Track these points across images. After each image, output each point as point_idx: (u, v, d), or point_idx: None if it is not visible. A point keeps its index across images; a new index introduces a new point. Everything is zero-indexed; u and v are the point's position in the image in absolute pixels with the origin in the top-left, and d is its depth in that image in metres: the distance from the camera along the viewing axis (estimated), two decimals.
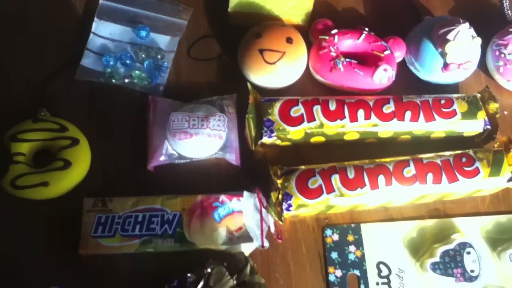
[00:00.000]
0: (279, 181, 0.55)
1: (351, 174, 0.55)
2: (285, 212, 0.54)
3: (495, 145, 0.60)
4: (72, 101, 0.61)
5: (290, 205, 0.54)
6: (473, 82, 0.66)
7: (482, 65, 0.66)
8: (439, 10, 0.70)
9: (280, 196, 0.54)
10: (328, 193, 0.54)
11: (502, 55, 0.63)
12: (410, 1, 0.69)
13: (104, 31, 0.64)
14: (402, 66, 0.64)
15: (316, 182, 0.55)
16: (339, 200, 0.54)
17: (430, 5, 0.70)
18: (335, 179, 0.55)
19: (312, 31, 0.63)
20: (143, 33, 0.63)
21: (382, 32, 0.64)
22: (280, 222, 0.54)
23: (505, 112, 0.65)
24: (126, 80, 0.62)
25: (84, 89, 0.62)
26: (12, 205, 0.55)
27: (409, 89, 0.63)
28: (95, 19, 0.64)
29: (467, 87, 0.65)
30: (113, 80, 0.61)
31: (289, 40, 0.59)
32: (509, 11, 0.70)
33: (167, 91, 0.62)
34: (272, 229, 0.55)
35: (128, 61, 0.62)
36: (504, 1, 0.70)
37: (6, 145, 0.55)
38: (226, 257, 0.52)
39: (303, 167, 0.56)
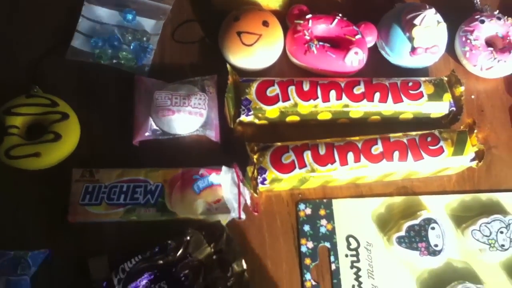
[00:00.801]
0: (255, 156, 0.59)
1: (322, 151, 0.59)
2: (260, 185, 0.58)
3: (461, 127, 0.64)
4: (63, 79, 0.65)
5: (264, 179, 0.58)
6: (442, 67, 0.70)
7: (451, 50, 0.70)
8: None
9: (255, 171, 0.58)
10: (300, 168, 0.58)
11: (468, 41, 0.67)
12: None
13: (93, 14, 0.68)
14: (374, 51, 0.68)
15: (289, 157, 0.59)
16: (311, 175, 0.58)
17: None
18: (307, 155, 0.59)
19: (288, 16, 0.67)
20: (130, 17, 0.67)
21: (356, 18, 0.68)
22: (255, 195, 0.58)
23: (472, 96, 0.69)
24: (114, 61, 0.65)
25: (74, 68, 0.65)
26: (7, 174, 0.59)
27: (380, 73, 0.66)
28: (85, 2, 0.68)
29: (436, 72, 0.69)
30: (101, 61, 0.65)
31: (265, 24, 0.62)
32: (478, 0, 0.73)
33: (152, 72, 0.66)
34: (249, 202, 0.59)
35: (115, 43, 0.66)
36: None
37: (0, 118, 0.59)
38: (204, 226, 0.56)
39: (278, 143, 0.60)
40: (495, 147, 0.66)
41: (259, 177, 0.58)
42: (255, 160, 0.58)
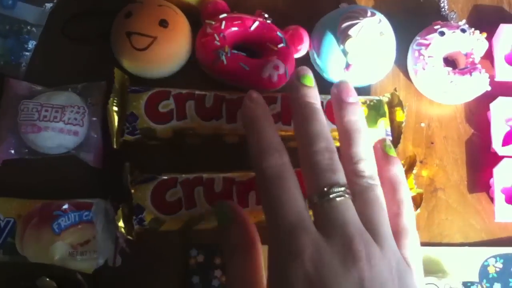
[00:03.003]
0: (133, 190, 0.48)
1: (218, 188, 0.47)
2: (137, 226, 0.47)
3: (402, 161, 0.52)
4: None
5: (142, 220, 0.47)
6: (390, 86, 0.57)
7: (404, 66, 0.58)
8: None
9: (131, 209, 0.47)
10: (187, 208, 0.47)
11: (421, 57, 0.54)
12: None
13: None
14: (306, 62, 0.55)
15: (176, 194, 0.47)
16: (201, 218, 0.47)
17: None
18: (199, 192, 0.47)
19: (202, 14, 0.54)
20: (9, 1, 0.54)
21: (291, 21, 0.55)
22: (129, 237, 0.47)
23: (422, 124, 0.56)
24: None
25: None
26: None
27: None
28: None
29: (381, 92, 0.56)
30: None
31: (163, 23, 0.50)
32: (445, 4, 0.60)
33: (30, 73, 0.53)
34: (124, 244, 0.48)
35: None
36: None
37: None
38: (56, 277, 0.45)
39: (165, 176, 0.48)
40: (442, 190, 0.54)
41: (134, 217, 0.47)
42: (132, 195, 0.47)
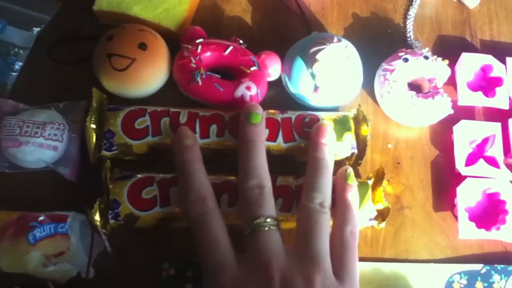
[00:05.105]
0: (111, 186, 0.50)
1: None
2: (112, 221, 0.49)
3: (370, 175, 0.55)
4: None
5: (117, 214, 0.49)
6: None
7: (372, 90, 0.61)
8: (334, 26, 0.64)
9: (107, 204, 0.49)
10: (161, 206, 0.49)
11: (387, 82, 0.57)
12: (304, 14, 0.63)
13: None
14: (279, 85, 0.59)
15: (151, 192, 0.50)
16: (175, 216, 0.49)
17: (326, 20, 0.64)
18: (174, 191, 0.50)
19: (181, 39, 0.57)
20: None
21: (265, 46, 0.58)
22: (105, 231, 0.49)
23: (389, 145, 0.59)
24: None
25: None
26: None
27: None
28: None
29: None
30: None
31: (142, 46, 0.53)
32: (411, 34, 0.64)
33: (16, 92, 0.56)
34: (107, 245, 0.50)
35: None
36: (407, 22, 0.65)
37: None
38: (34, 286, 0.46)
39: (143, 174, 0.51)
40: (408, 208, 0.57)
41: (110, 211, 0.49)
42: (109, 191, 0.49)
